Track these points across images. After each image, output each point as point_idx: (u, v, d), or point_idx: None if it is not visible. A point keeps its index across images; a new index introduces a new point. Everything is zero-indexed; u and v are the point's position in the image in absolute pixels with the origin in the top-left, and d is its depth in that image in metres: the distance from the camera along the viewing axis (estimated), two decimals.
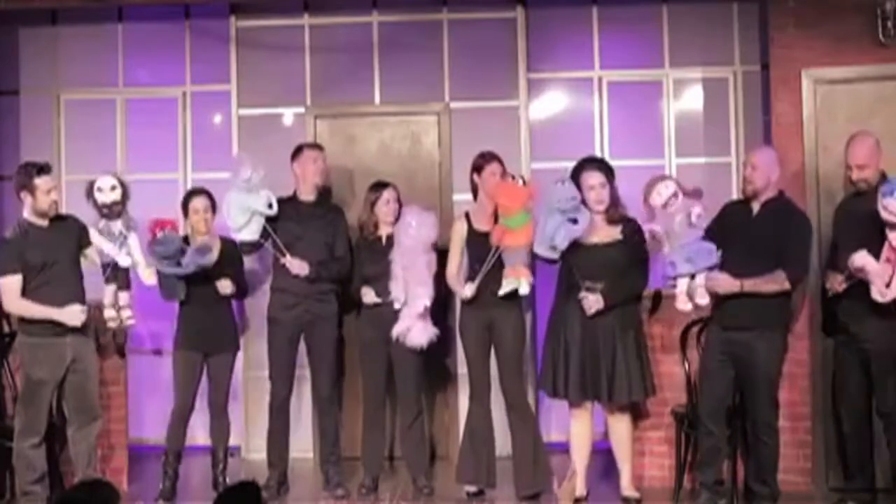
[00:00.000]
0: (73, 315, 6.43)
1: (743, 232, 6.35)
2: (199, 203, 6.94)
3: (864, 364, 6.32)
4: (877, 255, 6.09)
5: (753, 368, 6.32)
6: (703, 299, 6.37)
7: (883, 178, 6.28)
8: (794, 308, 6.60)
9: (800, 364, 6.82)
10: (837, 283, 6.35)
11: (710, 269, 6.32)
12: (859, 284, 6.17)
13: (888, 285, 6.04)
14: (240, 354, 7.89)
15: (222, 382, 7.02)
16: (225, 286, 6.92)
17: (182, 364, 6.95)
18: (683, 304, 6.41)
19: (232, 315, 7.07)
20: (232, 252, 7.05)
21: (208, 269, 6.82)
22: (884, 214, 6.03)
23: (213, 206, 6.99)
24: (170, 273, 6.69)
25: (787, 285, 6.30)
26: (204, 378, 7.03)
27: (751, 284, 6.25)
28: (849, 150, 6.43)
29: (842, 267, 6.28)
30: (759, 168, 6.39)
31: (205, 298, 6.87)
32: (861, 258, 6.12)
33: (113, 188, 6.56)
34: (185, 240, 6.84)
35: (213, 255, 6.83)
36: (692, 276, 6.35)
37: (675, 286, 6.47)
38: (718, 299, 6.37)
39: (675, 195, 6.37)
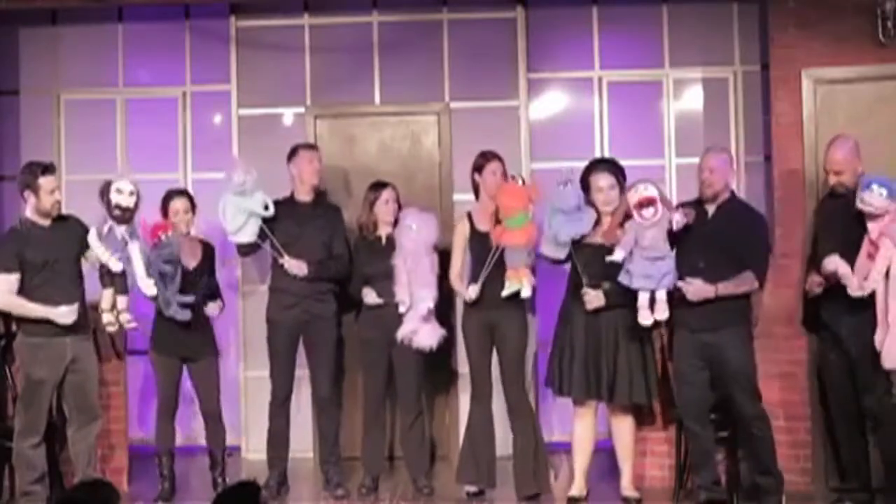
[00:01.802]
0: (63, 315, 6.41)
1: (700, 234, 6.34)
2: (179, 204, 6.92)
3: (850, 363, 6.33)
4: (855, 256, 6.13)
5: (729, 366, 6.34)
6: (663, 315, 6.32)
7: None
8: (754, 303, 6.60)
9: (799, 364, 6.81)
10: (816, 285, 6.38)
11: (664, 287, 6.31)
12: (837, 285, 6.20)
13: (866, 278, 6.09)
14: (239, 354, 7.94)
15: (210, 389, 7.00)
16: (213, 309, 6.93)
17: (160, 367, 6.96)
18: (645, 319, 6.33)
19: (210, 322, 7.04)
20: (212, 258, 7.06)
21: (191, 274, 6.82)
22: (861, 206, 6.11)
23: (193, 207, 6.99)
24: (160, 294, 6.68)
25: (756, 285, 6.37)
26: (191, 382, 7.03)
27: (723, 288, 6.27)
28: (827, 155, 6.48)
29: (820, 269, 6.31)
30: (717, 170, 6.41)
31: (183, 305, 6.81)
32: (832, 263, 6.18)
33: (132, 193, 6.56)
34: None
35: (174, 250, 6.75)
36: (652, 291, 6.32)
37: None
38: (680, 303, 6.34)
39: (651, 202, 6.27)
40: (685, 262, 6.30)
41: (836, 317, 6.34)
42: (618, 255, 6.31)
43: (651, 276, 6.27)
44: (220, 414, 7.05)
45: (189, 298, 6.73)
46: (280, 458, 7.09)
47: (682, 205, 6.44)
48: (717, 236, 6.33)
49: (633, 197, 6.32)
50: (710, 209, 6.43)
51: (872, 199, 6.06)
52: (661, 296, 6.29)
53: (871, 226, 6.11)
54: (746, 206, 6.58)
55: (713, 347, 6.33)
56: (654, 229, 6.26)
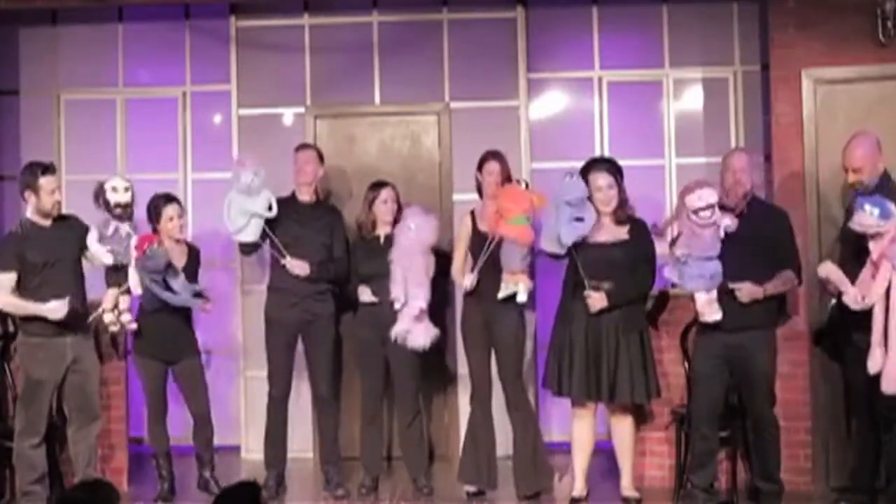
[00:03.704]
0: (53, 309, 6.39)
1: (731, 237, 6.34)
2: (173, 210, 6.89)
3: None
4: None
5: (753, 367, 6.34)
6: (717, 315, 6.33)
7: (885, 177, 6.27)
8: (789, 303, 6.63)
9: (799, 364, 6.82)
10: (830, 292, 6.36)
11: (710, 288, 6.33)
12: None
13: (864, 298, 6.00)
14: (239, 354, 7.94)
15: (197, 390, 6.98)
16: (206, 305, 6.93)
17: (145, 371, 6.94)
18: (711, 315, 6.35)
19: (191, 323, 7.03)
20: (196, 260, 7.04)
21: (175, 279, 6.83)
22: (853, 227, 6.03)
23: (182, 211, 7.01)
24: (163, 297, 6.69)
25: (796, 283, 6.44)
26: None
27: (771, 288, 6.31)
28: (845, 153, 6.39)
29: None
30: (746, 170, 6.43)
31: (164, 308, 6.78)
32: (823, 269, 6.17)
33: (126, 189, 6.58)
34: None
35: (204, 288, 6.86)
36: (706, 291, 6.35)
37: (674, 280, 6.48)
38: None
39: (712, 206, 6.29)
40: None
41: (862, 322, 6.16)
42: (679, 252, 6.34)
43: (703, 276, 6.29)
44: (209, 414, 7.04)
45: (199, 287, 6.79)
46: (278, 457, 7.09)
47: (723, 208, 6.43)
48: (748, 238, 6.32)
49: (695, 202, 6.28)
50: (738, 210, 6.41)
51: (864, 219, 5.98)
52: (714, 296, 6.32)
53: (872, 246, 6.00)
54: (770, 205, 6.59)
55: (739, 348, 6.34)
56: (710, 230, 6.27)
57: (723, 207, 6.40)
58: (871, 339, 5.97)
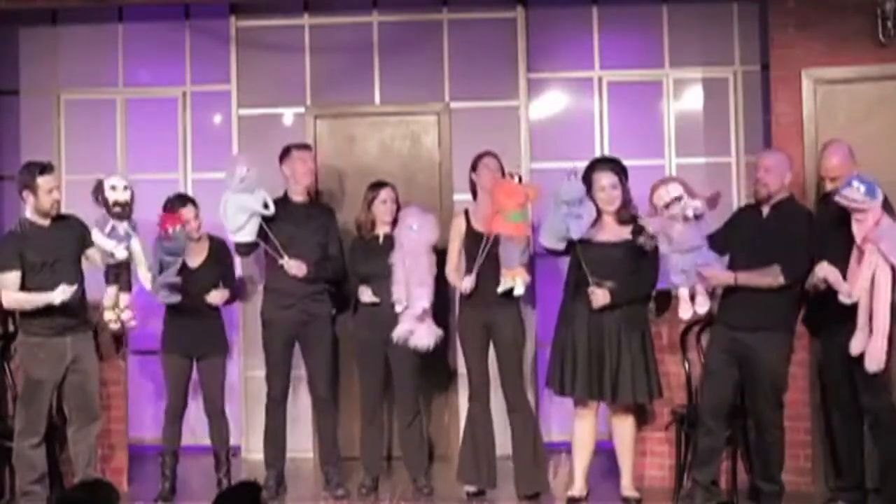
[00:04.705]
0: (59, 294, 6.34)
1: (754, 236, 6.34)
2: (189, 213, 6.89)
3: (850, 362, 6.27)
4: (844, 260, 6.06)
5: (759, 369, 6.32)
6: (703, 308, 6.36)
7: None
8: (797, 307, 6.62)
9: (800, 364, 6.81)
10: (812, 287, 6.32)
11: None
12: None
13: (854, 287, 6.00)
14: (239, 354, 7.93)
15: (215, 387, 7.01)
16: (214, 297, 6.93)
17: (170, 367, 6.98)
18: (685, 312, 6.40)
19: (220, 319, 7.05)
20: (221, 251, 7.06)
21: (196, 272, 6.81)
22: (839, 199, 6.00)
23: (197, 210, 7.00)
24: (160, 294, 6.68)
25: (780, 279, 6.27)
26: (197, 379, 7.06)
27: (744, 278, 6.27)
28: (822, 163, 6.44)
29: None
30: (773, 170, 6.38)
31: (192, 303, 6.81)
32: (821, 269, 6.12)
33: (126, 188, 6.58)
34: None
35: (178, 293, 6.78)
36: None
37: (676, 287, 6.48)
38: (724, 299, 6.37)
39: (678, 199, 6.31)
40: (737, 262, 6.31)
41: (836, 315, 6.29)
42: (650, 226, 6.37)
43: (687, 271, 6.29)
44: (224, 411, 7.06)
45: (175, 279, 6.66)
46: (277, 457, 7.09)
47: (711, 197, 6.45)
48: (768, 236, 6.31)
49: (658, 201, 6.32)
50: (765, 210, 6.41)
51: (850, 193, 5.95)
52: (701, 288, 6.32)
53: (855, 229, 5.99)
54: (799, 206, 6.52)
55: (748, 348, 6.32)
56: (681, 222, 6.27)
57: (757, 204, 6.42)
58: (858, 321, 5.99)
